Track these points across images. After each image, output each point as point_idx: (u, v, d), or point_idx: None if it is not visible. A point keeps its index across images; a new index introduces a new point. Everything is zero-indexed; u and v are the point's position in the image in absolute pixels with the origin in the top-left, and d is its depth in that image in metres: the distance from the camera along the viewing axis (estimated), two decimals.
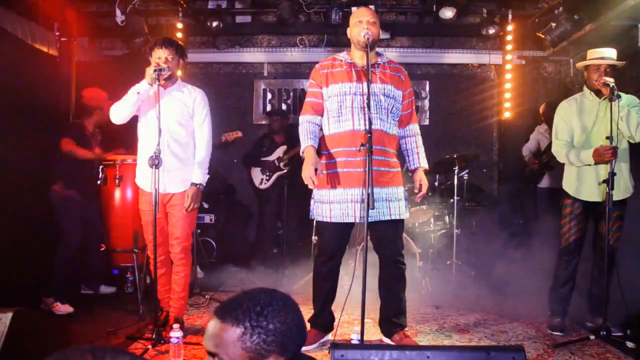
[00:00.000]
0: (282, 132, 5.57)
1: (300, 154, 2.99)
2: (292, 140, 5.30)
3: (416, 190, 3.14)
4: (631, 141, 3.25)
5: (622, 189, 3.29)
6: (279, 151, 5.45)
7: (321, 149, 3.09)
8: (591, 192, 3.34)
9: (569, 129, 3.42)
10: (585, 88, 3.43)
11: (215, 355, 1.14)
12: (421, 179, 3.11)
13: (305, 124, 3.03)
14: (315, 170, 2.82)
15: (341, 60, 3.04)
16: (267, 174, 5.42)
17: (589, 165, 3.29)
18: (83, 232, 4.03)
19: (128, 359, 0.88)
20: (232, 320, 1.14)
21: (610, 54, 3.33)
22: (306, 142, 2.97)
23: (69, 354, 0.86)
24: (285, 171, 5.40)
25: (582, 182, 3.37)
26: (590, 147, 3.28)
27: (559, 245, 3.49)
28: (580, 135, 3.38)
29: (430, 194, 4.92)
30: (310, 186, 2.86)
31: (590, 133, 3.35)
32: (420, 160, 3.16)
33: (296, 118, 3.61)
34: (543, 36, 5.18)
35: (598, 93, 3.31)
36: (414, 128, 3.21)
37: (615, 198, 3.12)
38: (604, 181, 3.10)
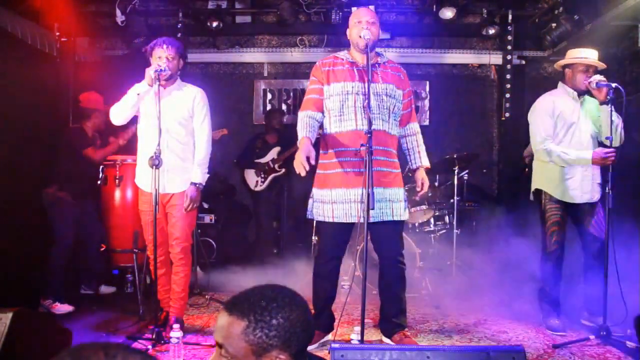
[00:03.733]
0: (277, 132, 5.54)
1: (298, 144, 2.92)
2: (286, 141, 5.29)
3: (418, 189, 3.16)
4: (606, 143, 3.24)
5: (597, 191, 3.39)
6: (273, 152, 5.42)
7: (322, 147, 3.07)
8: (576, 194, 3.37)
9: (553, 126, 3.40)
10: (565, 87, 3.44)
11: (222, 346, 1.19)
12: (423, 178, 3.14)
13: (306, 118, 2.98)
14: (308, 158, 2.73)
15: (342, 59, 3.03)
16: (262, 176, 5.39)
17: (581, 166, 3.31)
18: (76, 233, 4.02)
19: (139, 358, 0.88)
20: (238, 314, 1.19)
21: (594, 55, 3.34)
22: (303, 134, 2.92)
23: (82, 351, 0.87)
24: (281, 173, 5.38)
25: (567, 184, 3.38)
26: (573, 148, 3.31)
27: (544, 249, 3.47)
28: (563, 135, 3.38)
29: (430, 194, 4.91)
30: (302, 173, 2.75)
31: (574, 133, 3.37)
32: (421, 159, 3.19)
33: (295, 118, 3.59)
34: (543, 36, 5.18)
35: (581, 93, 3.33)
36: (414, 127, 3.22)
37: (590, 200, 3.38)
38: (604, 182, 3.12)
